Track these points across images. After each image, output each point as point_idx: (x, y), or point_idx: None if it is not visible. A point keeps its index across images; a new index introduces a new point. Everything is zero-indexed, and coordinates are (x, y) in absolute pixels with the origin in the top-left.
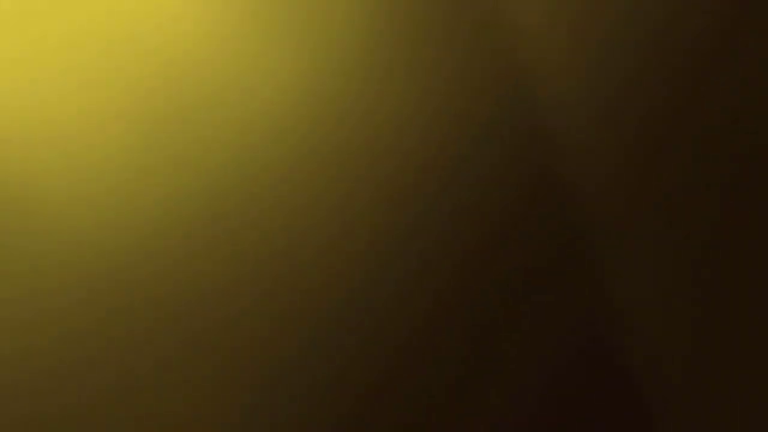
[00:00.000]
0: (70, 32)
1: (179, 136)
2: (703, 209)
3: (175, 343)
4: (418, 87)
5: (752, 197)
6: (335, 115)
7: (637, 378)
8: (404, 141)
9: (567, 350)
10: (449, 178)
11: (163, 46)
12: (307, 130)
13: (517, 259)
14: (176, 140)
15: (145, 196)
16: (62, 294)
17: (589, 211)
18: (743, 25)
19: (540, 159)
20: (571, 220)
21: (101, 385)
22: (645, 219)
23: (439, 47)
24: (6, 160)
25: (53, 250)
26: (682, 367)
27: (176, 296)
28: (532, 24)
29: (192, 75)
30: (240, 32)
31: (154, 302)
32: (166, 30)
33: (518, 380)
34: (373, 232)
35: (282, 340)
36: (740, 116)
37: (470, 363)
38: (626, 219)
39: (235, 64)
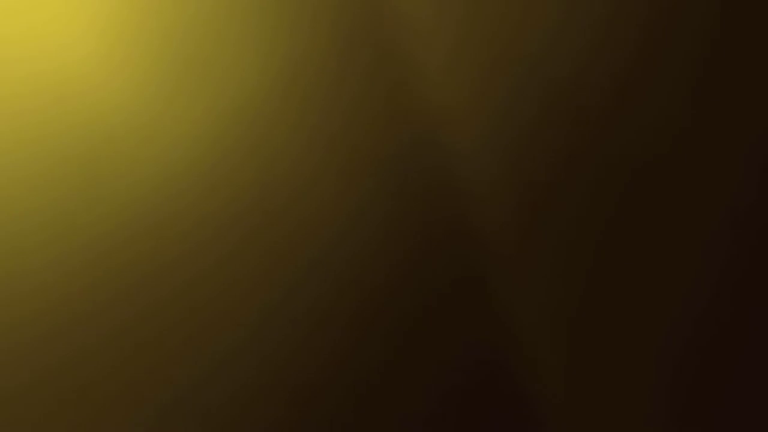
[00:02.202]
0: None
1: (78, 180)
2: (589, 249)
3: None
4: (313, 131)
5: (633, 242)
6: (232, 159)
7: (524, 393)
8: (303, 184)
9: (464, 370)
10: (352, 218)
11: (63, 96)
12: (202, 176)
13: (418, 294)
14: (76, 184)
15: (41, 238)
16: None
17: (486, 248)
18: (643, 78)
19: (440, 201)
20: (470, 256)
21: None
22: (537, 257)
23: (335, 90)
24: None
25: None
26: (564, 382)
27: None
28: (434, 68)
29: (89, 121)
30: (138, 78)
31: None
32: (68, 81)
33: (422, 400)
34: (277, 272)
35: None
36: (634, 167)
37: (374, 384)
38: (520, 257)
39: (134, 109)
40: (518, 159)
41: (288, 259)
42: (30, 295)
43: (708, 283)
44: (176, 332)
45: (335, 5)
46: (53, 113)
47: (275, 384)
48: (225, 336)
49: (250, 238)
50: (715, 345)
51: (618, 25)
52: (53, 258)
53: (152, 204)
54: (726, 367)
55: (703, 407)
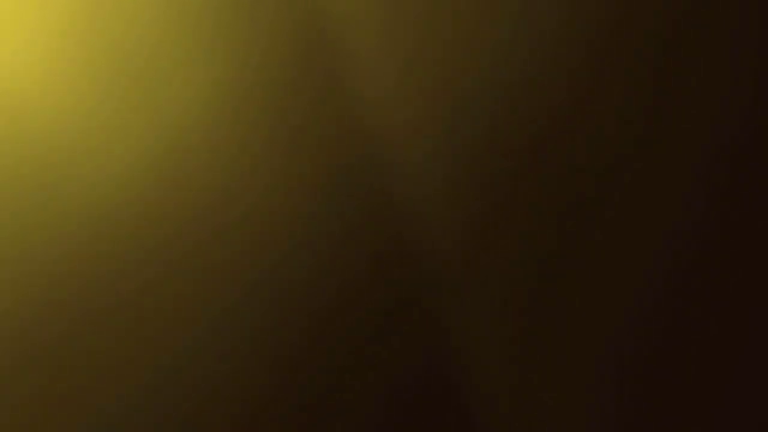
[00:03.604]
0: None
1: (20, 192)
2: (534, 270)
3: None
4: (260, 152)
5: (580, 262)
6: (178, 174)
7: (470, 413)
8: (249, 202)
9: (408, 391)
10: (297, 239)
11: (5, 108)
12: (148, 189)
13: (363, 314)
14: (17, 195)
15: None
16: None
17: (432, 269)
18: (591, 100)
19: (386, 223)
20: (415, 277)
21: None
22: (483, 278)
23: (282, 112)
24: None
25: None
26: (510, 402)
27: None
28: (379, 90)
29: (33, 134)
30: (82, 90)
31: None
32: (11, 93)
33: (365, 421)
34: (221, 288)
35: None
36: (579, 189)
37: (318, 403)
38: (466, 278)
39: (78, 121)
40: (464, 180)
41: (234, 275)
42: None
43: (658, 301)
44: (121, 344)
45: (286, 28)
46: None
47: (224, 393)
48: (167, 352)
49: (195, 252)
50: (664, 360)
51: (566, 46)
52: None
53: (97, 215)
54: (674, 381)
55: (651, 423)
